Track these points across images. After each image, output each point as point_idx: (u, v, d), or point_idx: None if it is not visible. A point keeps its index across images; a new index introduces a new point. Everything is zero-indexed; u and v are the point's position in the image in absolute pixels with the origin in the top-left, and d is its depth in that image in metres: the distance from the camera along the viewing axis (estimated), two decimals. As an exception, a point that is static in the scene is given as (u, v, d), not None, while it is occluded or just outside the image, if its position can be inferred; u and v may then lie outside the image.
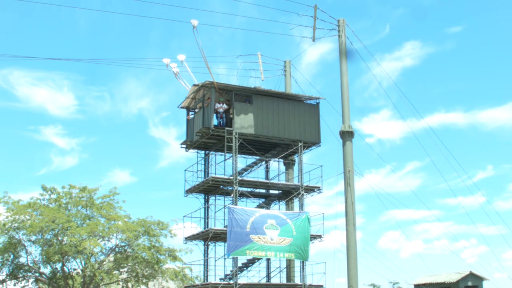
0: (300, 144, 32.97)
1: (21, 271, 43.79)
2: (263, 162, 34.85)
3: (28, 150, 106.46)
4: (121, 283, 45.81)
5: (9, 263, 43.12)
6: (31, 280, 44.72)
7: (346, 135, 33.38)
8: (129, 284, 45.33)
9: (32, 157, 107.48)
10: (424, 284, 45.98)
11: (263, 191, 35.42)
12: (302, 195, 32.72)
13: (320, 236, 33.17)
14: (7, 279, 43.25)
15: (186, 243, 34.53)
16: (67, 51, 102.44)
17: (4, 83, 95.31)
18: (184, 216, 33.76)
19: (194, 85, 32.68)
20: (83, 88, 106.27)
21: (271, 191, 35.49)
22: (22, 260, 43.58)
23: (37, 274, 44.29)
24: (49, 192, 43.55)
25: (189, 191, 34.07)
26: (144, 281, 44.47)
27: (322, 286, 32.50)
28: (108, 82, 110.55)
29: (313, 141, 33.73)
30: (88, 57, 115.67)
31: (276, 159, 35.38)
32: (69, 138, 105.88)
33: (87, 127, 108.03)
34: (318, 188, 33.24)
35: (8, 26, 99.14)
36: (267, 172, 36.06)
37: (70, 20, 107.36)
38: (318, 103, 34.36)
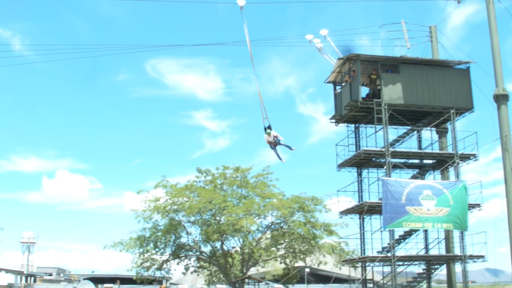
0: (452, 111, 33.83)
1: (183, 250, 48.10)
2: (415, 132, 36.00)
3: (181, 135, 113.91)
4: (279, 259, 48.66)
5: (171, 243, 47.52)
6: (192, 259, 49.05)
7: (501, 99, 33.45)
8: (287, 260, 48.14)
9: (186, 141, 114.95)
10: None
11: (416, 161, 36.57)
12: (458, 163, 33.61)
13: (478, 205, 33.92)
14: (170, 258, 47.77)
15: (341, 217, 36.58)
16: (210, 37, 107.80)
17: (154, 72, 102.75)
18: (338, 191, 35.84)
19: (339, 59, 34.45)
20: (229, 71, 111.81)
21: (425, 161, 36.55)
22: (183, 240, 47.99)
23: (197, 253, 48.34)
24: (204, 174, 47.37)
25: (341, 166, 35.94)
26: (301, 256, 47.11)
27: (483, 256, 33.21)
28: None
29: (465, 107, 34.50)
30: (231, 40, 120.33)
31: (428, 128, 36.33)
32: (219, 121, 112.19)
33: (236, 109, 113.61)
34: (474, 155, 33.97)
35: (153, 18, 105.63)
36: (419, 142, 37.14)
37: (211, 6, 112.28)
38: (468, 68, 35.02)
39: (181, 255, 48.19)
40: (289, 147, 24.89)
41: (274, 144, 24.32)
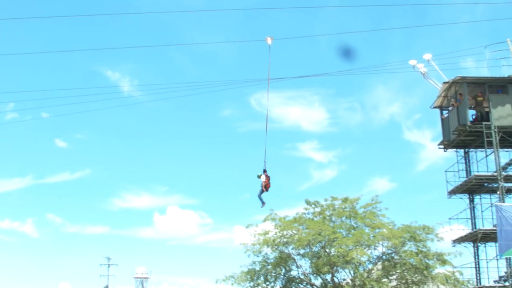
0: None
1: (293, 283, 48.23)
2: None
3: (288, 167, 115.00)
4: (391, 290, 47.99)
5: (281, 276, 47.77)
6: (303, 292, 49.01)
7: None
8: (400, 291, 47.35)
9: (293, 174, 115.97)
10: None
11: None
12: None
13: None
14: (281, 292, 48.04)
15: (454, 246, 35.96)
16: (312, 68, 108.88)
17: (258, 106, 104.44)
18: (449, 219, 35.31)
19: (444, 83, 34.24)
20: (333, 101, 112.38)
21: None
22: (293, 273, 48.07)
23: (308, 286, 48.37)
24: (313, 206, 47.64)
25: (452, 192, 35.43)
26: (414, 287, 46.25)
27: None
28: (357, 91, 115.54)
29: None
30: (332, 70, 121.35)
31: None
32: (326, 152, 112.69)
33: (342, 139, 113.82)
34: None
35: (255, 53, 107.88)
36: (533, 164, 36.04)
37: (311, 38, 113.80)
38: None
39: (291, 288, 48.39)
40: (262, 201, 26.00)
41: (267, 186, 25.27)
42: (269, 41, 25.47)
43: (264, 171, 25.44)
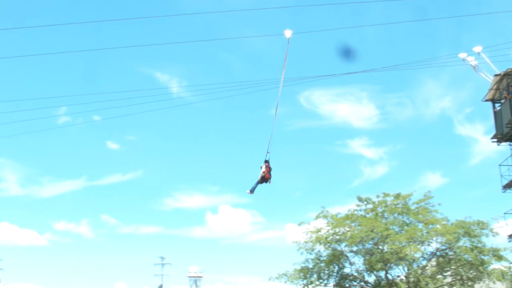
0: None
1: (347, 280, 48.33)
2: None
3: (339, 164, 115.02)
4: (446, 287, 47.58)
5: (334, 274, 47.95)
6: (356, 289, 49.04)
7: None
8: (454, 288, 46.93)
9: (343, 171, 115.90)
10: None
11: None
12: None
13: None
14: (334, 289, 48.13)
15: (510, 241, 35.45)
16: (360, 64, 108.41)
17: (308, 104, 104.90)
18: (504, 213, 34.86)
19: (496, 75, 33.82)
20: (382, 97, 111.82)
21: None
22: (347, 270, 48.21)
23: (362, 283, 48.37)
24: (365, 202, 47.67)
25: (506, 186, 35.01)
26: (469, 283, 45.71)
27: None
28: (405, 87, 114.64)
29: None
30: (380, 66, 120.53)
31: None
32: (376, 148, 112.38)
33: (392, 134, 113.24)
34: None
35: (303, 50, 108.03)
36: None
37: (358, 31, 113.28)
38: None
39: (345, 286, 48.41)
40: (253, 188, 26.04)
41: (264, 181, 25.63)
42: (287, 34, 25.66)
43: (266, 161, 25.69)
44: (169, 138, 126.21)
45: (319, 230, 46.81)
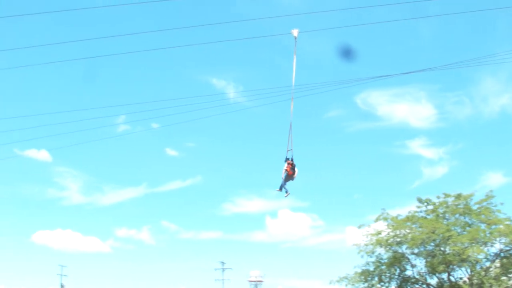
0: None
1: (408, 283, 47.97)
2: None
3: (398, 165, 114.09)
4: (511, 289, 46.75)
5: (396, 276, 47.65)
6: (419, 292, 48.57)
7: None
8: (520, 290, 46.02)
9: (403, 172, 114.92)
10: None
11: None
12: None
13: None
14: (396, 292, 47.80)
15: None
16: (417, 63, 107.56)
17: (364, 105, 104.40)
18: None
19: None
20: (440, 96, 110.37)
21: None
22: (408, 273, 47.90)
23: (424, 286, 47.92)
24: (425, 204, 47.23)
25: None
26: (536, 285, 44.86)
27: None
28: (463, 85, 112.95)
29: None
30: (438, 65, 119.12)
31: None
32: (436, 148, 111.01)
33: (451, 134, 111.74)
34: None
35: (358, 52, 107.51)
36: None
37: (416, 31, 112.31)
38: None
39: (407, 288, 48.07)
40: (286, 190, 26.87)
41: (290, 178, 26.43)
42: (295, 33, 26.00)
43: (287, 159, 26.42)
44: (227, 143, 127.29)
45: (379, 233, 46.68)
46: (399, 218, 47.00)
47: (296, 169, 26.70)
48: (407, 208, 51.09)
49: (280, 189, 27.15)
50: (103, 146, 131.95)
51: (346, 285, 47.94)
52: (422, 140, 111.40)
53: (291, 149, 26.66)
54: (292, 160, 26.58)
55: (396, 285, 47.77)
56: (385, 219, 47.25)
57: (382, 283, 47.46)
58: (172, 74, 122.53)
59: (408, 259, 47.09)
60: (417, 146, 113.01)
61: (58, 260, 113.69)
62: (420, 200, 47.37)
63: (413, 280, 47.81)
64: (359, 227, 48.23)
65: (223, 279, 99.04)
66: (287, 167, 26.55)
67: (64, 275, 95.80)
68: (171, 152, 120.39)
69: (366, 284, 47.25)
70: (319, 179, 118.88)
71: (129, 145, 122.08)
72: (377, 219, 47.73)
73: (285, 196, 27.35)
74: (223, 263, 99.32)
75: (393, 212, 48.22)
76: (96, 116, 48.17)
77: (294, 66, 26.61)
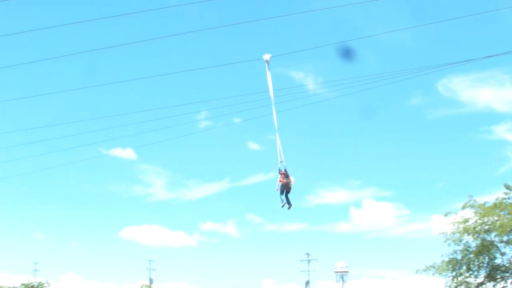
0: None
1: (498, 272, 46.98)
2: None
3: (483, 152, 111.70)
4: None
5: (485, 265, 46.77)
6: (509, 280, 47.48)
7: None
8: None
9: (489, 158, 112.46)
10: None
11: None
12: None
13: None
14: (485, 281, 46.93)
15: None
16: (500, 46, 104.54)
17: (446, 91, 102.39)
18: None
19: None
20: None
21: None
22: (498, 261, 46.91)
23: (515, 275, 46.90)
24: (513, 190, 46.12)
25: None
26: None
27: None
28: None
29: None
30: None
31: None
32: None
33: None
34: None
35: (437, 37, 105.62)
36: None
37: (497, 16, 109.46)
38: None
39: (496, 277, 47.16)
40: (288, 202, 26.68)
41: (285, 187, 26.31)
42: (266, 57, 26.52)
43: (280, 171, 26.46)
44: (308, 135, 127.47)
45: (466, 220, 45.98)
46: (487, 205, 46.13)
47: (291, 177, 26.67)
48: (494, 195, 50.04)
49: (283, 204, 27.22)
50: (185, 143, 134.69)
51: (433, 274, 47.53)
52: (508, 125, 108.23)
53: (283, 161, 26.75)
54: (285, 170, 26.53)
55: (485, 274, 46.97)
56: (472, 206, 46.50)
57: (471, 272, 46.77)
58: (250, 68, 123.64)
59: (497, 247, 46.22)
60: (503, 131, 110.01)
61: (147, 255, 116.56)
62: (507, 187, 46.34)
63: (503, 268, 46.84)
64: (446, 215, 47.70)
65: (308, 270, 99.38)
66: (280, 177, 26.60)
67: (153, 269, 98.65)
68: (253, 145, 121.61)
69: (454, 273, 46.67)
70: (402, 167, 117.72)
71: (211, 140, 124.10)
72: (464, 207, 47.05)
73: (288, 209, 27.35)
74: (308, 254, 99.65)
75: (480, 199, 47.43)
76: (178, 114, 49.48)
77: (271, 88, 26.75)
